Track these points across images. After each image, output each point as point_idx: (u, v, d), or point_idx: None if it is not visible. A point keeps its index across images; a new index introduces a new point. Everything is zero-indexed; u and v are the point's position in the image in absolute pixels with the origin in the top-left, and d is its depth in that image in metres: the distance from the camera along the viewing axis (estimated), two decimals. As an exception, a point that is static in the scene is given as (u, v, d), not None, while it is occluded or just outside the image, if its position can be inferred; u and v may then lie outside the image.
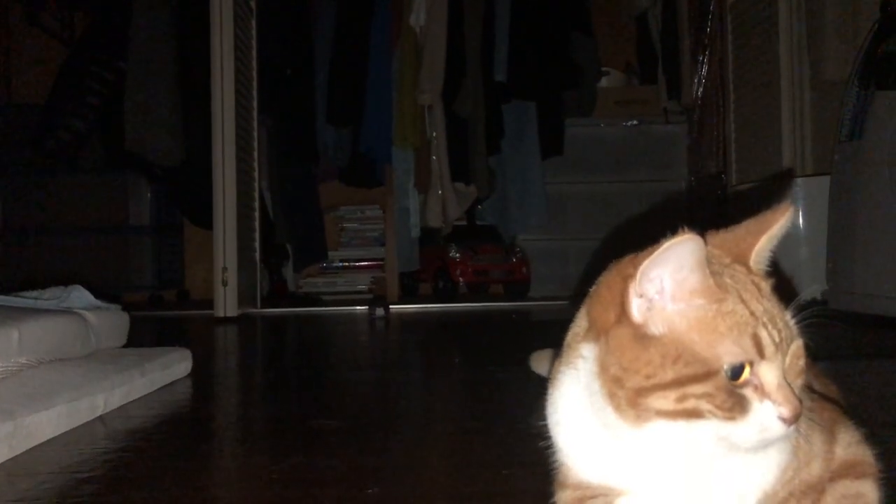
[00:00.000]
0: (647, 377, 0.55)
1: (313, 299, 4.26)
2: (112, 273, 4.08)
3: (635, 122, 4.45)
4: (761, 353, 0.54)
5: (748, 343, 0.54)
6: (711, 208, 4.03)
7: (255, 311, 3.59)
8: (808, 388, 0.66)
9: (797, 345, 0.57)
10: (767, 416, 0.54)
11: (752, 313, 0.55)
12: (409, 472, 0.96)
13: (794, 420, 0.54)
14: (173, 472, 0.98)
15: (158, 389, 1.52)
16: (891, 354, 1.93)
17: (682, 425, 0.54)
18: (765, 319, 0.55)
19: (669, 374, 0.54)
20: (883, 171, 2.30)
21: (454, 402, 1.58)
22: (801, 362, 0.57)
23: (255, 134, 3.73)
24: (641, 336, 0.56)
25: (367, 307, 3.43)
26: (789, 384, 0.55)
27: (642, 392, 0.55)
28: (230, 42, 3.29)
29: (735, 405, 0.54)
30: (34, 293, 1.62)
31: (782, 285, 0.61)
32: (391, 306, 3.46)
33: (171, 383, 1.59)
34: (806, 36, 3.24)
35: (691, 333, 0.55)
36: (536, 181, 4.11)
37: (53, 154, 3.91)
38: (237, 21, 3.38)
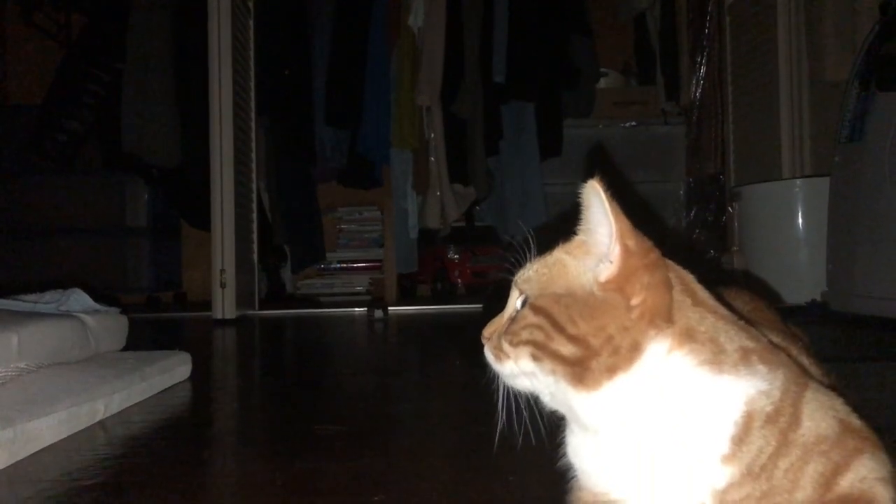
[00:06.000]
0: None
1: (312, 301, 4.24)
2: (109, 275, 4.06)
3: (633, 123, 4.45)
4: None
5: None
6: (709, 209, 4.03)
7: (253, 312, 3.58)
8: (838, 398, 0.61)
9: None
10: None
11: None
12: (414, 478, 0.95)
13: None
14: (175, 479, 0.97)
15: (158, 393, 1.51)
16: (891, 357, 1.92)
17: None
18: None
19: None
20: (883, 173, 2.29)
21: (456, 405, 1.57)
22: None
23: (253, 135, 3.71)
24: None
25: (365, 309, 3.42)
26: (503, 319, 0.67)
27: None
28: (228, 43, 3.28)
29: None
30: (33, 297, 1.61)
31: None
32: (389, 308, 3.46)
33: (171, 387, 1.58)
34: (805, 36, 3.24)
35: None
36: (535, 182, 4.10)
37: (50, 155, 3.89)
38: (235, 22, 3.37)
